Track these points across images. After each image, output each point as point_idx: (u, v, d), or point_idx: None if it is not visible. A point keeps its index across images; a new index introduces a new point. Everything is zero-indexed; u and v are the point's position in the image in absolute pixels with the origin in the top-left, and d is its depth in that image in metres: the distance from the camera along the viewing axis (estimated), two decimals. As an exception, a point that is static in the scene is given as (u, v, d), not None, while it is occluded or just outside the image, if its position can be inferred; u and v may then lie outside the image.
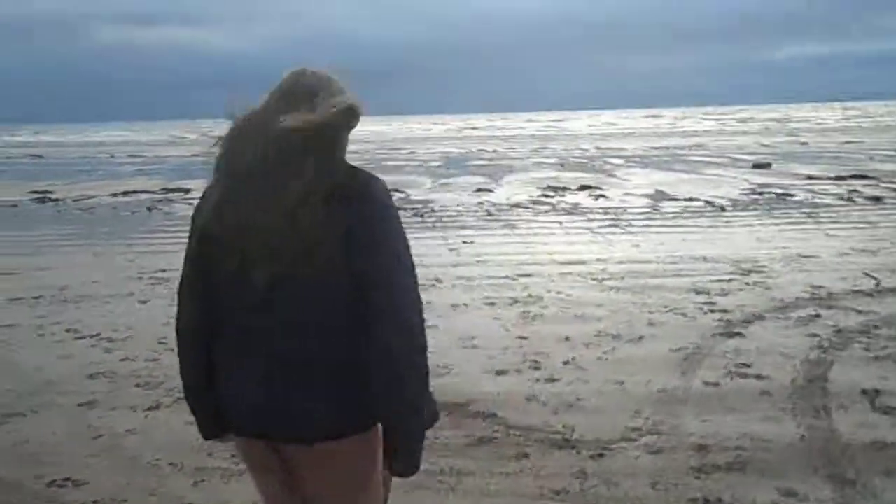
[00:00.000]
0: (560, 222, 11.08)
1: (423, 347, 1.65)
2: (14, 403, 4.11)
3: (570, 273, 7.38)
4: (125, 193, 16.28)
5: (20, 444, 3.61)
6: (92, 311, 6.23)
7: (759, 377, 4.38)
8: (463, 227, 10.81)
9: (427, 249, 8.90)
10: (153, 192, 16.40)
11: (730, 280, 6.84)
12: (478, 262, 8.13)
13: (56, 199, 15.39)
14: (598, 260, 7.99)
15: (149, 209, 13.62)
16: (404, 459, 1.68)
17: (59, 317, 6.04)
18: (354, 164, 1.71)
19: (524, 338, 5.29)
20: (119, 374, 4.61)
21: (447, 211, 12.74)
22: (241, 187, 1.62)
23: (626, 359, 4.79)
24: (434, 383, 1.73)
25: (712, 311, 5.82)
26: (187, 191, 16.73)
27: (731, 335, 5.20)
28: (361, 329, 1.59)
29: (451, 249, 8.95)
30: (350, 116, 1.68)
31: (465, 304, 6.26)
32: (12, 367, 4.73)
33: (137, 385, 4.40)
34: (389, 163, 25.31)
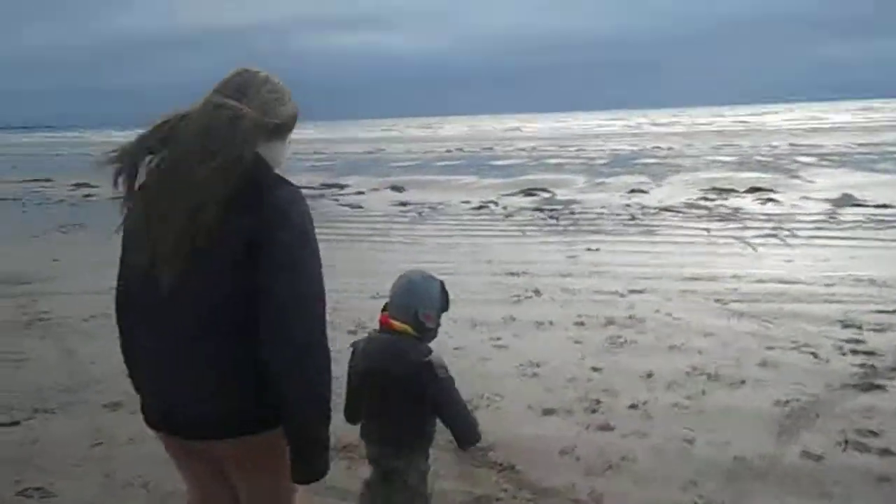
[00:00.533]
0: (708, 230, 9.78)
1: (318, 351, 1.64)
2: (50, 398, 4.17)
3: (691, 291, 6.35)
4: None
5: (26, 445, 3.61)
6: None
7: (884, 452, 3.29)
8: (596, 232, 9.94)
9: (542, 256, 8.27)
10: (311, 188, 17.14)
11: (894, 312, 5.46)
12: (592, 273, 7.31)
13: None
14: (732, 277, 6.81)
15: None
16: (300, 463, 1.65)
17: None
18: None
19: (597, 369, 4.51)
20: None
21: (587, 214, 11.85)
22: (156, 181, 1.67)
23: (712, 409, 3.86)
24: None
25: (854, 353, 4.62)
26: (342, 187, 17.35)
27: (868, 388, 4.04)
28: (256, 331, 1.59)
29: (569, 257, 8.19)
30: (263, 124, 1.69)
31: (550, 323, 5.55)
32: (71, 360, 4.86)
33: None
34: (551, 160, 24.58)
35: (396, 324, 2.25)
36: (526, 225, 10.88)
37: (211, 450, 1.73)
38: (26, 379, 4.53)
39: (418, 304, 2.27)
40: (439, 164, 25.15)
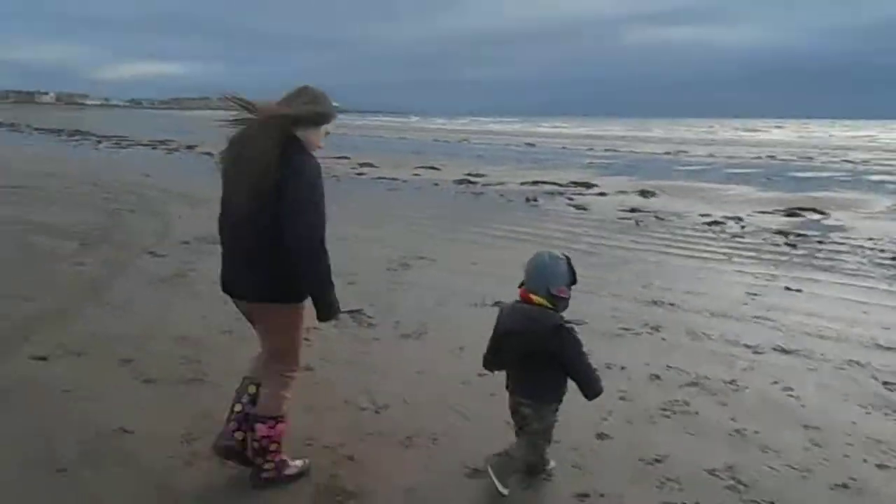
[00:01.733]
0: None
1: (321, 239, 2.78)
2: (119, 349, 4.60)
3: (855, 365, 4.71)
4: (534, 183, 17.05)
5: (61, 390, 3.94)
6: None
7: None
8: (824, 270, 7.97)
9: (717, 287, 6.89)
10: (558, 184, 16.79)
11: None
12: (752, 318, 5.86)
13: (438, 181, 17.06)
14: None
15: (527, 200, 13.96)
16: (320, 309, 2.85)
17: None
18: None
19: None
20: (203, 346, 4.79)
21: (839, 246, 9.56)
22: (231, 150, 2.89)
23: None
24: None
25: None
26: (590, 186, 16.65)
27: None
28: (281, 236, 2.75)
29: (749, 294, 6.66)
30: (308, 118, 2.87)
31: (621, 368, 4.58)
32: (170, 323, 5.36)
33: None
34: (874, 177, 20.55)
35: (535, 298, 2.93)
36: (746, 249, 9.18)
37: (251, 311, 2.98)
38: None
39: (549, 282, 2.92)
40: (727, 171, 22.66)
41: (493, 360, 3.14)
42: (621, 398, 4.07)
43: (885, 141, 48.97)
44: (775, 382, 4.41)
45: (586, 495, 3.05)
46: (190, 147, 26.72)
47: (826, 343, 5.23)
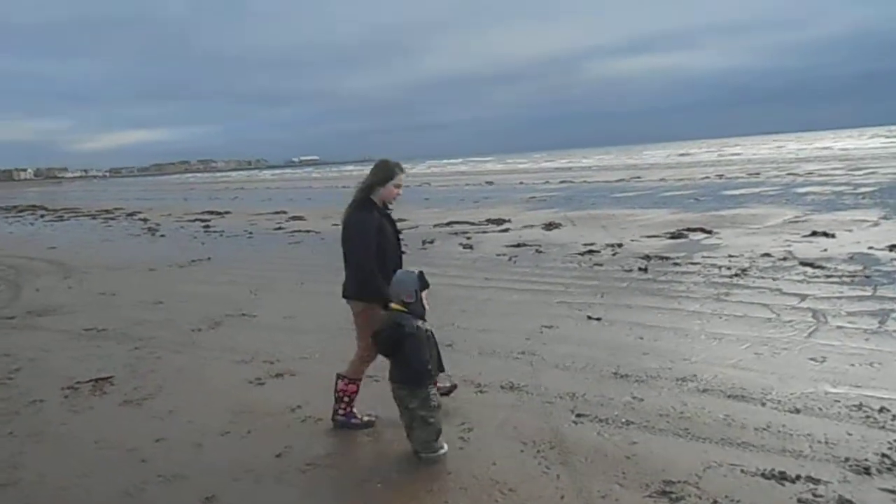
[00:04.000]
0: None
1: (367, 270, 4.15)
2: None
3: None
4: (448, 224, 17.08)
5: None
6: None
7: None
8: (674, 297, 7.89)
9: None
10: (474, 223, 16.82)
11: None
12: (552, 367, 5.79)
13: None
14: None
15: (423, 242, 13.96)
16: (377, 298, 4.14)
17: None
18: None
19: None
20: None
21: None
22: None
23: None
24: None
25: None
26: (501, 222, 16.64)
27: None
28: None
29: (555, 345, 6.61)
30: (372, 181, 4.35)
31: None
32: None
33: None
34: (733, 192, 20.51)
35: (393, 305, 3.93)
36: (592, 278, 9.12)
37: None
38: None
39: (400, 292, 3.92)
40: (662, 194, 22.75)
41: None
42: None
43: (839, 150, 49.35)
44: (462, 424, 4.33)
45: None
46: (130, 214, 26.91)
47: (555, 375, 5.15)
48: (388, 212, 4.41)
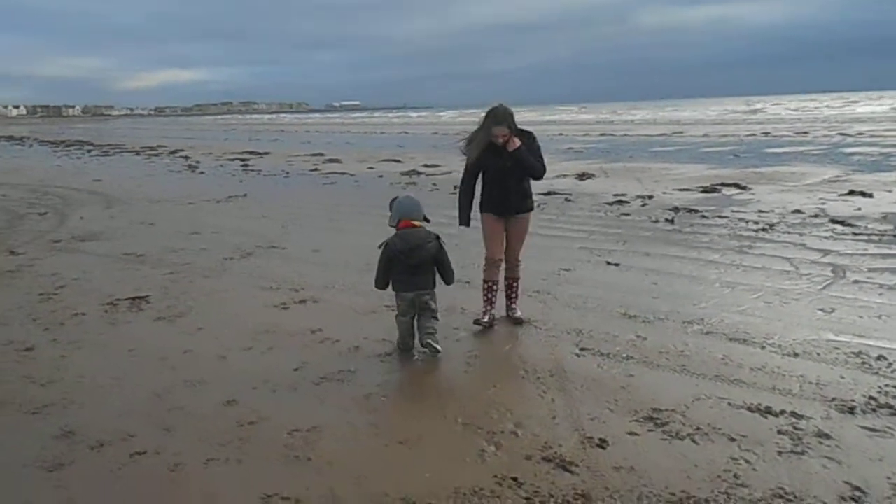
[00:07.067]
0: None
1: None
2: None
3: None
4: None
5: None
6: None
7: None
8: (695, 248, 7.95)
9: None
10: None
11: None
12: (564, 306, 5.96)
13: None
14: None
15: (454, 188, 14.05)
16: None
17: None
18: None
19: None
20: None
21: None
22: None
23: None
24: None
25: None
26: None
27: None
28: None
29: (569, 286, 6.76)
30: None
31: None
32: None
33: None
34: (776, 149, 19.92)
35: (417, 223, 4.53)
36: (616, 227, 9.19)
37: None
38: None
39: (420, 210, 4.61)
40: (702, 150, 22.32)
41: (385, 279, 4.52)
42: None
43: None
44: (470, 351, 4.56)
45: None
46: (173, 152, 27.52)
47: (565, 313, 5.33)
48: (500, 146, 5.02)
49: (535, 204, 5.51)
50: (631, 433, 3.36)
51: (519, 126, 5.03)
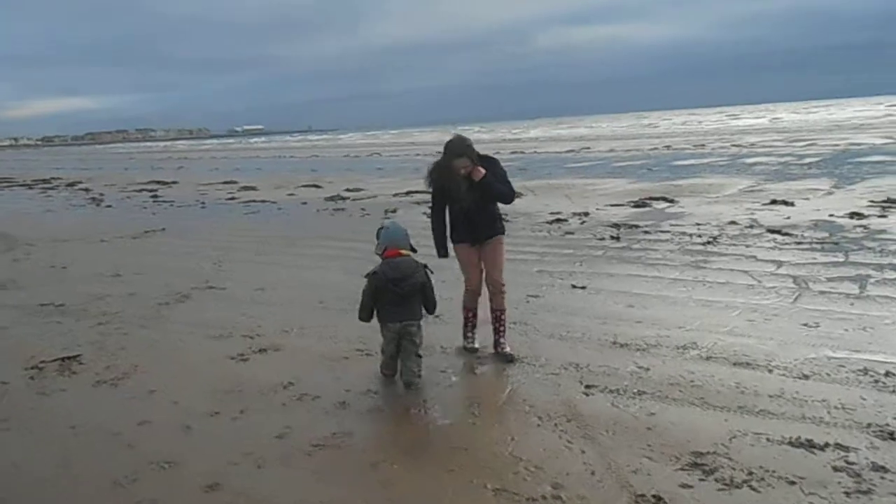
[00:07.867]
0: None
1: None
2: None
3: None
4: (407, 193, 16.76)
5: None
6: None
7: None
8: (652, 265, 7.84)
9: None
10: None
11: None
12: (545, 336, 5.62)
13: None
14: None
15: (385, 212, 13.63)
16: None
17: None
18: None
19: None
20: None
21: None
22: None
23: None
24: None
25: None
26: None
27: None
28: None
29: (544, 313, 6.46)
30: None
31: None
32: None
33: None
34: (682, 162, 20.90)
35: (404, 251, 4.36)
36: (566, 247, 9.04)
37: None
38: None
39: (407, 239, 4.45)
40: (615, 164, 22.94)
41: (370, 310, 4.36)
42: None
43: (784, 123, 50.84)
44: (468, 396, 4.15)
45: None
46: (70, 185, 25.58)
47: (552, 345, 5.03)
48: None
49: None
50: (684, 485, 3.06)
51: (478, 152, 4.80)
